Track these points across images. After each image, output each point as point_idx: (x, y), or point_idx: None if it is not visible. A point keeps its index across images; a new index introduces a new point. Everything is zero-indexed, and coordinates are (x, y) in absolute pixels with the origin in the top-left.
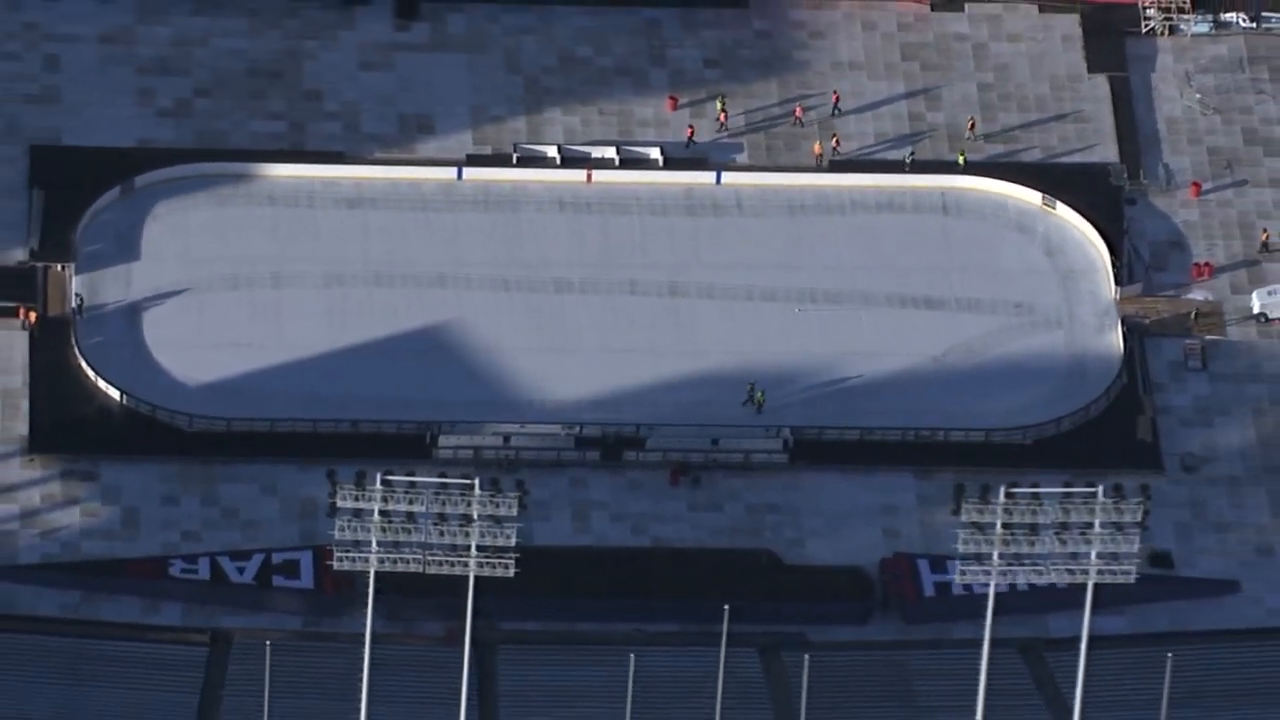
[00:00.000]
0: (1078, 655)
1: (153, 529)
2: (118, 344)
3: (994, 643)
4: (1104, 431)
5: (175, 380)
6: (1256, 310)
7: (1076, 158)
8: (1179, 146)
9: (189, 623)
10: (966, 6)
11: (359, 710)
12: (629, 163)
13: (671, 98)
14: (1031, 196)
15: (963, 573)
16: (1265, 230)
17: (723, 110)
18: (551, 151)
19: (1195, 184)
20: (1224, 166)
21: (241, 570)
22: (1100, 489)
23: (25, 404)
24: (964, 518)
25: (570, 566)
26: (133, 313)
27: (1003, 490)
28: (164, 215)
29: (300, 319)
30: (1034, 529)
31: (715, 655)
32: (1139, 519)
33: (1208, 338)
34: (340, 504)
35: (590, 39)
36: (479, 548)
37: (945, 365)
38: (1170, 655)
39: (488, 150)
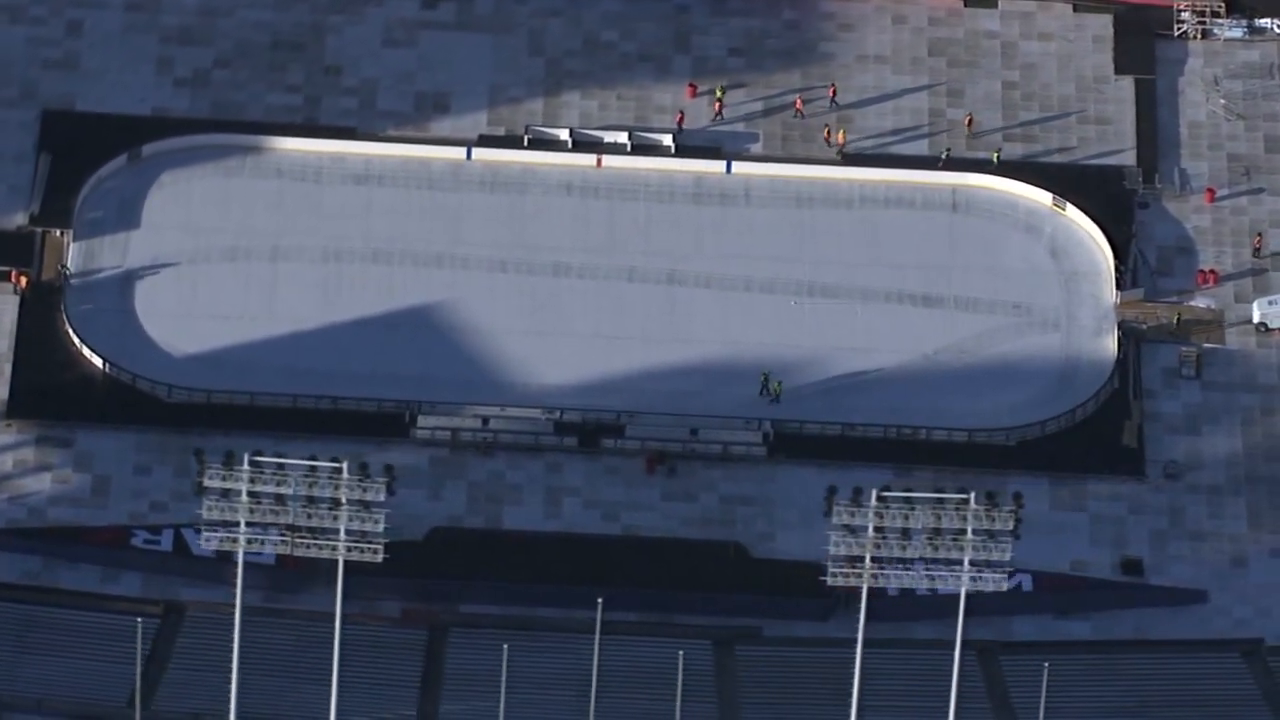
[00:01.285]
0: (1033, 659)
1: (122, 498)
2: (107, 311)
3: (950, 644)
4: (1088, 436)
5: (161, 350)
6: (1256, 320)
7: (1093, 159)
8: (1199, 151)
9: (148, 594)
10: (1000, 3)
11: (299, 688)
12: (641, 149)
13: (691, 85)
14: (1043, 197)
15: (834, 575)
16: (1259, 235)
17: (719, 99)
18: (564, 135)
19: (1210, 190)
20: (1242, 173)
21: (205, 542)
22: (972, 495)
23: (8, 368)
24: (835, 519)
25: (536, 552)
26: (126, 281)
27: (874, 494)
28: (169, 185)
29: (294, 293)
30: (906, 534)
31: (669, 646)
32: (1010, 527)
33: (1205, 345)
34: (208, 484)
35: (617, 24)
36: (348, 532)
37: (936, 364)
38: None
39: (501, 131)
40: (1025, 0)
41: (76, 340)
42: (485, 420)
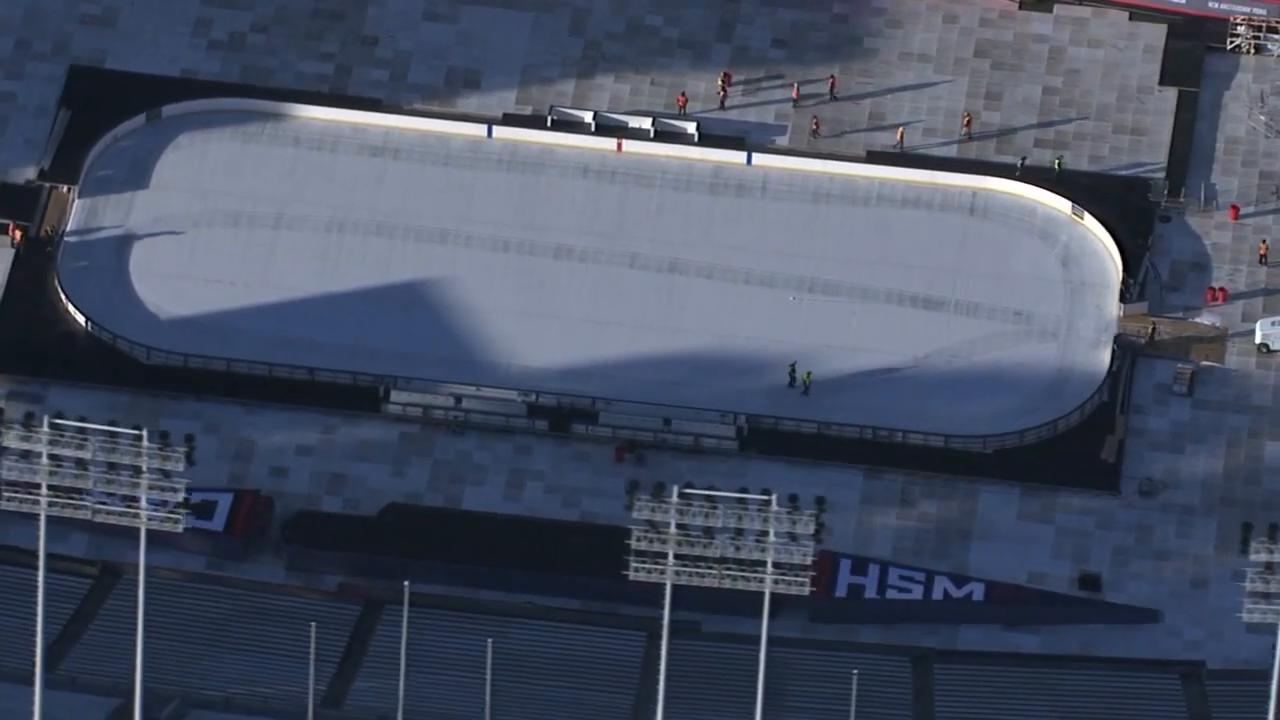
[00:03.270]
0: (967, 668)
1: None
2: (101, 270)
3: (889, 649)
4: (1067, 448)
5: (148, 312)
6: (1259, 340)
7: (1122, 169)
8: (1231, 167)
9: (92, 555)
10: (1055, 8)
11: (218, 657)
12: (663, 135)
13: (726, 74)
14: (1062, 205)
15: (635, 569)
16: (1264, 242)
17: (723, 87)
18: (587, 117)
19: (1234, 207)
20: (1272, 191)
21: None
22: (774, 497)
23: None
24: (636, 514)
25: (488, 533)
26: (125, 241)
27: (676, 490)
28: (185, 147)
29: (290, 262)
30: (709, 532)
31: (601, 635)
32: (812, 531)
33: (1204, 363)
34: (6, 444)
35: (663, 8)
36: (150, 501)
37: (925, 367)
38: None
39: (528, 111)
40: (1083, 6)
41: (64, 297)
42: (458, 399)
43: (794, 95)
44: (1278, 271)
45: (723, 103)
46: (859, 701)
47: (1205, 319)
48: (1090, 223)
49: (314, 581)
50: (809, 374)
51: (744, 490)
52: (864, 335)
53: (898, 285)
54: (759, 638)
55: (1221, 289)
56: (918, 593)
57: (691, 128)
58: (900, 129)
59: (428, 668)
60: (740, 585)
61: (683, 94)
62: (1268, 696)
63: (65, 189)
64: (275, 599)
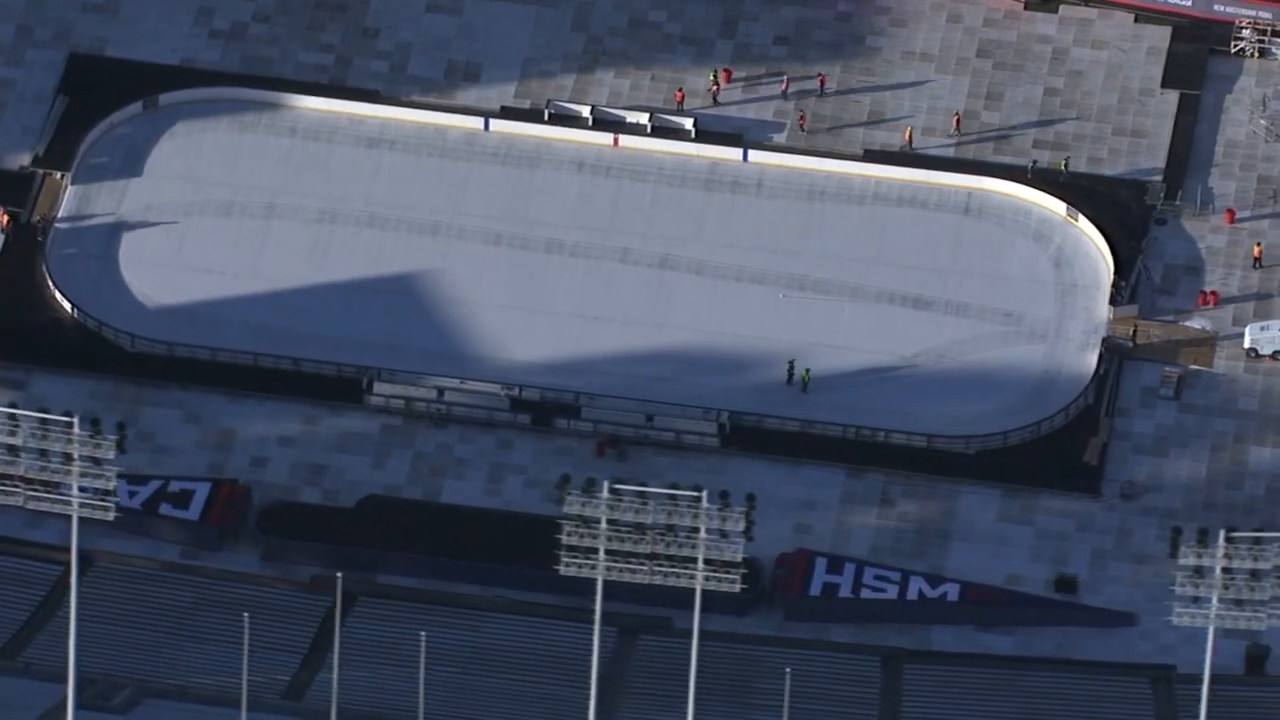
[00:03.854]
0: (937, 669)
1: None
2: (90, 257)
3: (859, 649)
4: (1051, 450)
5: (135, 300)
6: (1247, 344)
7: (1120, 171)
8: (1229, 171)
9: (65, 542)
10: (1061, 8)
11: (181, 646)
12: (661, 131)
13: (726, 71)
14: (1058, 206)
15: (566, 564)
16: (1258, 244)
17: (715, 82)
18: (585, 112)
19: (1230, 210)
20: (1270, 196)
21: (133, 494)
22: (705, 494)
23: None
24: (567, 509)
25: (465, 527)
26: (116, 228)
27: (606, 485)
28: (180, 135)
29: (281, 252)
30: (640, 528)
31: (572, 630)
32: (742, 528)
33: (1192, 367)
34: None
35: (666, 4)
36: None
37: (912, 366)
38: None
39: (526, 104)
40: (1088, 7)
41: (51, 283)
42: (441, 392)
43: (783, 88)
44: (1271, 274)
45: (715, 98)
46: (826, 701)
47: (1195, 322)
48: (1085, 225)
49: (288, 572)
50: (808, 371)
51: (725, 492)
52: (852, 334)
53: (889, 284)
54: (731, 635)
55: (1213, 293)
56: (892, 592)
57: (689, 124)
58: (908, 129)
59: (398, 660)
60: (670, 582)
61: (681, 90)
62: (1236, 702)
63: (59, 176)
64: (245, 589)
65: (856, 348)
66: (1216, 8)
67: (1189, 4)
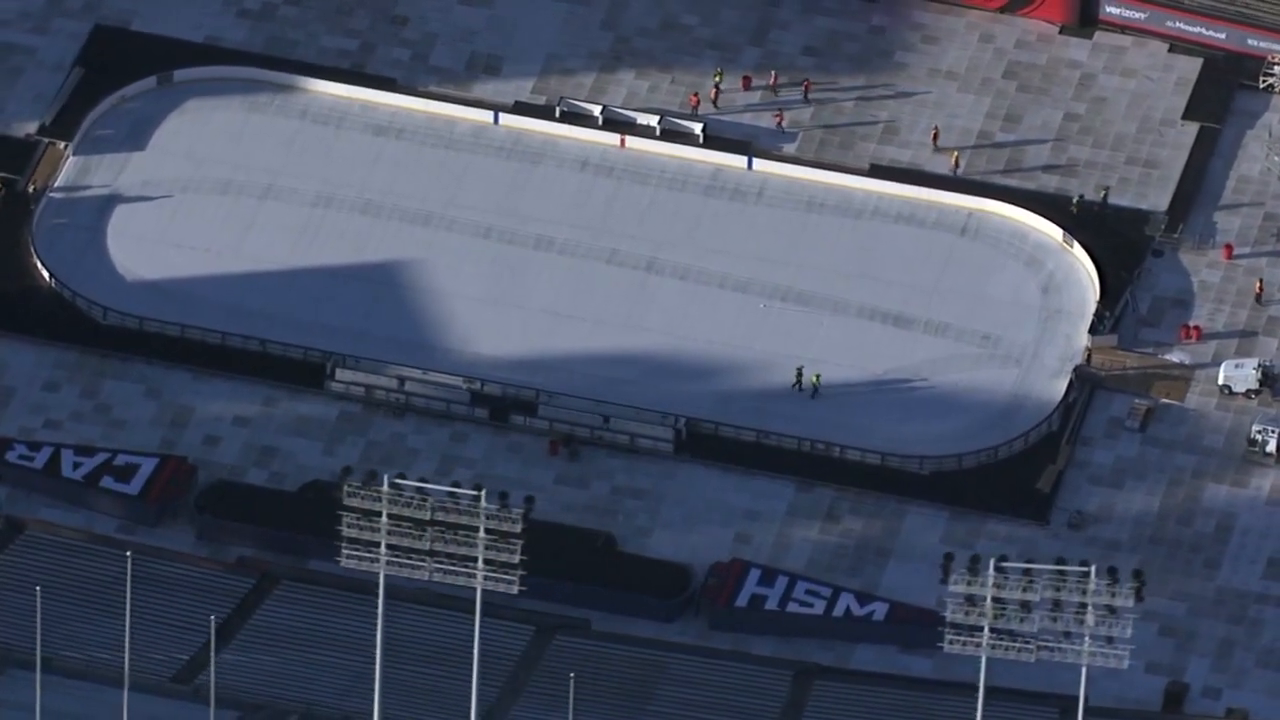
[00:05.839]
0: (848, 687)
1: (20, 412)
2: (79, 228)
3: (774, 662)
4: (1005, 475)
5: (116, 273)
6: (1221, 381)
7: (1126, 201)
8: (1237, 206)
9: (4, 509)
10: (1096, 34)
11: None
12: (669, 134)
13: (745, 77)
14: (1055, 231)
15: (347, 558)
16: (1259, 280)
17: (716, 86)
18: (596, 111)
19: (1229, 246)
20: (1273, 234)
21: (77, 466)
22: (483, 493)
23: None
24: (347, 501)
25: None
26: (109, 201)
27: (387, 479)
28: (190, 112)
29: (268, 233)
30: (421, 525)
31: (488, 626)
32: (519, 530)
33: (1163, 400)
34: None
35: (701, 8)
36: None
37: (880, 384)
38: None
39: (541, 101)
40: (1124, 35)
41: (33, 251)
42: (402, 381)
43: (770, 83)
44: (1259, 312)
45: (715, 101)
46: (723, 711)
47: (1174, 356)
48: (1079, 252)
49: (220, 553)
50: (818, 375)
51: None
52: (826, 348)
53: (872, 300)
54: (648, 641)
55: (1196, 327)
56: (819, 608)
57: (698, 128)
58: (955, 154)
59: (306, 645)
60: (450, 580)
61: (695, 94)
62: None
63: (62, 145)
64: (170, 566)
65: (828, 361)
66: (1250, 42)
67: (1223, 37)
